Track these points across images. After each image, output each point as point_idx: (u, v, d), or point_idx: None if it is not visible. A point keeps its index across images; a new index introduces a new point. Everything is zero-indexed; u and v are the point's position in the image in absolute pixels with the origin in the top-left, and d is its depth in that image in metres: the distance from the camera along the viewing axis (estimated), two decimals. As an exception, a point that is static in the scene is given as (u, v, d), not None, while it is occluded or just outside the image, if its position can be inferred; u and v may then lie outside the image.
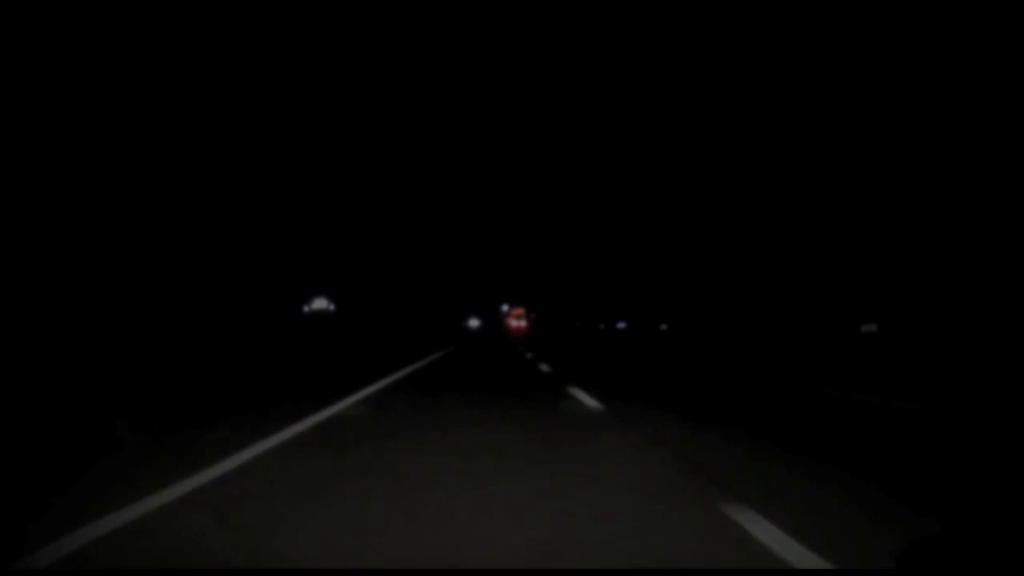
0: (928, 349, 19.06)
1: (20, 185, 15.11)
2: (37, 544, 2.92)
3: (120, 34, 17.80)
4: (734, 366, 15.54)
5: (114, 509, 3.39)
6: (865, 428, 6.64)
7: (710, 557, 2.89)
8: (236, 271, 26.54)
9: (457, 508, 3.52)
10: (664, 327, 61.26)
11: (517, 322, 71.83)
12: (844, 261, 30.83)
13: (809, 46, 30.24)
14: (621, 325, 69.55)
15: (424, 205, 55.24)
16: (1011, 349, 16.58)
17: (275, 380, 11.74)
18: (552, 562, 2.81)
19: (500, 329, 65.72)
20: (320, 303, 37.33)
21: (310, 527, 3.20)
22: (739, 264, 42.70)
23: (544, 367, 15.06)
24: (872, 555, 2.93)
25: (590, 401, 8.37)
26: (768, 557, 2.91)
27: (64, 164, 15.41)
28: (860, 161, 27.78)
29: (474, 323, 70.64)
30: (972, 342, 19.45)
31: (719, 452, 5.19)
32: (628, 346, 29.75)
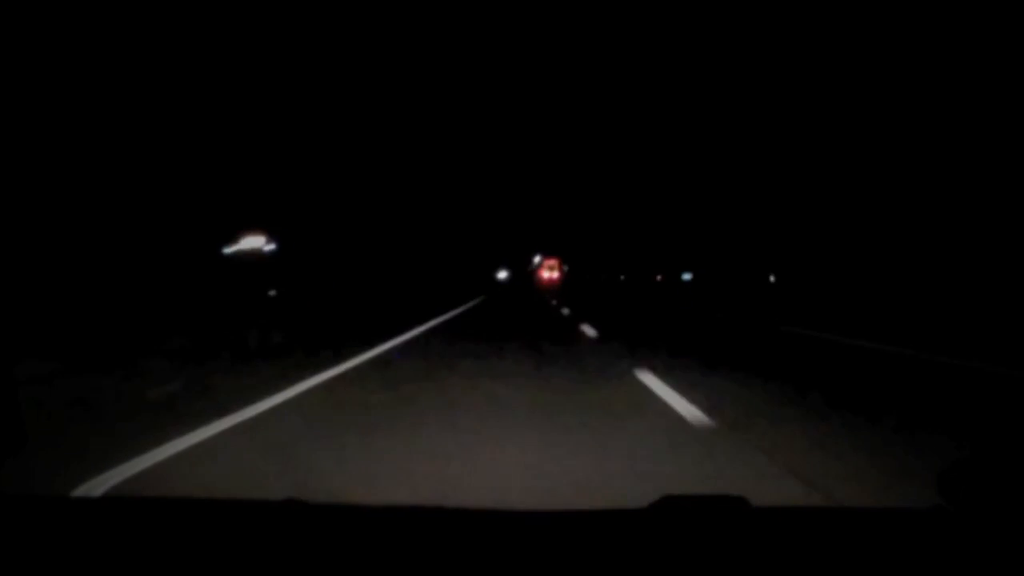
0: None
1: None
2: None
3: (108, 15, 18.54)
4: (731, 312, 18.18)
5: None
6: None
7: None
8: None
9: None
10: (688, 277, 61.54)
11: (550, 273, 71.29)
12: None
13: (835, 14, 30.82)
14: (686, 276, 61.60)
15: (454, 158, 55.18)
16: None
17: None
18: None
19: (531, 282, 65.17)
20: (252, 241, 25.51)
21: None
22: (762, 218, 43.19)
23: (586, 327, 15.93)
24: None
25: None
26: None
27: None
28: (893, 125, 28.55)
29: (503, 275, 69.95)
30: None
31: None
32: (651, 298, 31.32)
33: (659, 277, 68.06)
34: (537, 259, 77.84)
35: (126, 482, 3.33)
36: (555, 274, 71.72)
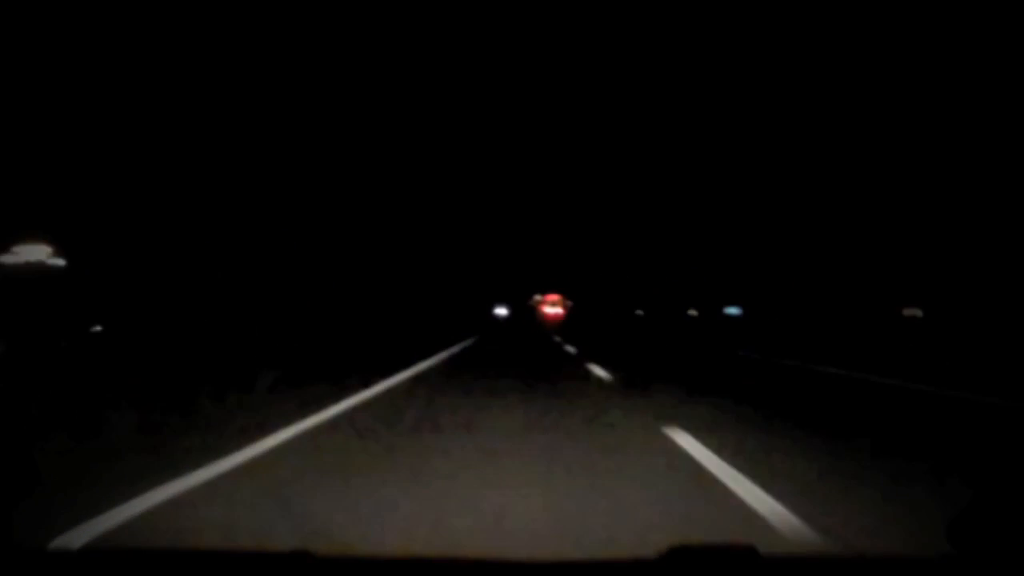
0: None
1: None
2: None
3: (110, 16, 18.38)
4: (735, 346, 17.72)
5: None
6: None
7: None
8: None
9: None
10: (693, 312, 55.83)
11: (552, 308, 70.13)
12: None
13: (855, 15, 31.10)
14: (733, 311, 48.21)
15: (452, 191, 53.93)
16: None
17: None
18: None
19: (531, 318, 62.96)
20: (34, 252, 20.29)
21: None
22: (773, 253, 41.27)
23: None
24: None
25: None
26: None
27: None
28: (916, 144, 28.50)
29: (501, 311, 66.49)
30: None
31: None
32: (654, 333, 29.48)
33: (693, 312, 56.07)
34: (537, 297, 76.11)
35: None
36: (558, 310, 70.45)
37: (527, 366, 12.90)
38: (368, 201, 34.25)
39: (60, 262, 19.74)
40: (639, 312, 65.71)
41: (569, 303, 72.37)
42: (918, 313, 27.32)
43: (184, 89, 20.26)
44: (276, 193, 25.11)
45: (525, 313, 67.27)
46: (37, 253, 19.45)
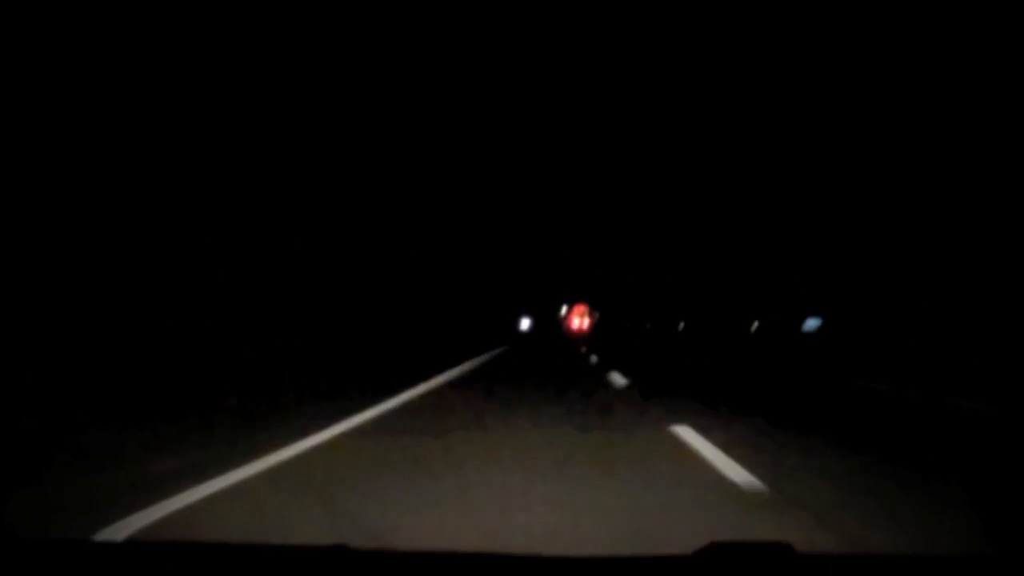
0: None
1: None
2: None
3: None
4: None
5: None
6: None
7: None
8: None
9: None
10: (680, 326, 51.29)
11: (580, 320, 67.46)
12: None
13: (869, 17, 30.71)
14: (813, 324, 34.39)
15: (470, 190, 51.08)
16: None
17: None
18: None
19: (558, 332, 61.37)
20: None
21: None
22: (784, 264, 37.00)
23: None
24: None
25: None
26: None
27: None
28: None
29: (525, 324, 64.00)
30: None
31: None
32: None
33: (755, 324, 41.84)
34: (563, 309, 72.92)
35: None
36: (585, 321, 67.72)
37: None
38: (385, 209, 33.93)
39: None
40: (681, 325, 54.48)
41: (596, 314, 68.86)
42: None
43: (193, 89, 20.40)
44: (297, 203, 24.98)
45: (552, 326, 64.14)
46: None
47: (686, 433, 5.77)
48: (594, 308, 69.99)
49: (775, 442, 5.56)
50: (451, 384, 10.80)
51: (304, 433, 5.70)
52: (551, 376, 13.55)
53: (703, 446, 5.22)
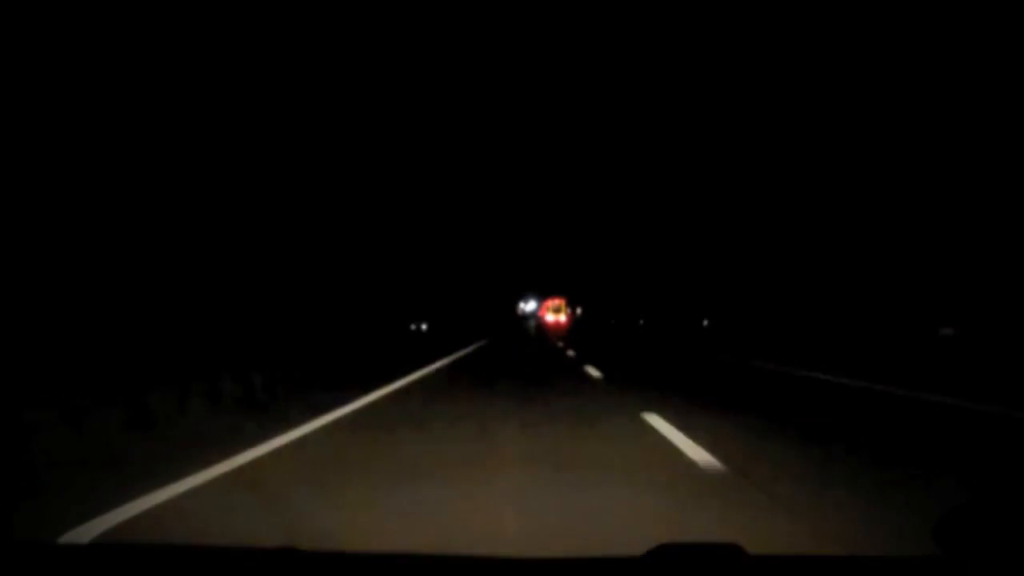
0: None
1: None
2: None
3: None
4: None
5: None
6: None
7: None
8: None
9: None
10: (706, 322, 48.98)
11: (555, 315, 65.44)
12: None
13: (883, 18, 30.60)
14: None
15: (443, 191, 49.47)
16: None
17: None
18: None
19: (522, 331, 55.98)
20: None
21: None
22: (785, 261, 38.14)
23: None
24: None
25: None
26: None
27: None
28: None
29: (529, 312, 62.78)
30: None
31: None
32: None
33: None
34: (531, 304, 69.90)
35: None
36: (561, 317, 65.81)
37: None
38: (369, 205, 33.44)
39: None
40: (705, 323, 51.41)
41: (579, 310, 67.94)
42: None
43: (196, 89, 20.15)
44: (288, 199, 24.87)
45: (517, 326, 61.25)
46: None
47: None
48: (574, 302, 69.06)
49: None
50: (422, 383, 10.78)
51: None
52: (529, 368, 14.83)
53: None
